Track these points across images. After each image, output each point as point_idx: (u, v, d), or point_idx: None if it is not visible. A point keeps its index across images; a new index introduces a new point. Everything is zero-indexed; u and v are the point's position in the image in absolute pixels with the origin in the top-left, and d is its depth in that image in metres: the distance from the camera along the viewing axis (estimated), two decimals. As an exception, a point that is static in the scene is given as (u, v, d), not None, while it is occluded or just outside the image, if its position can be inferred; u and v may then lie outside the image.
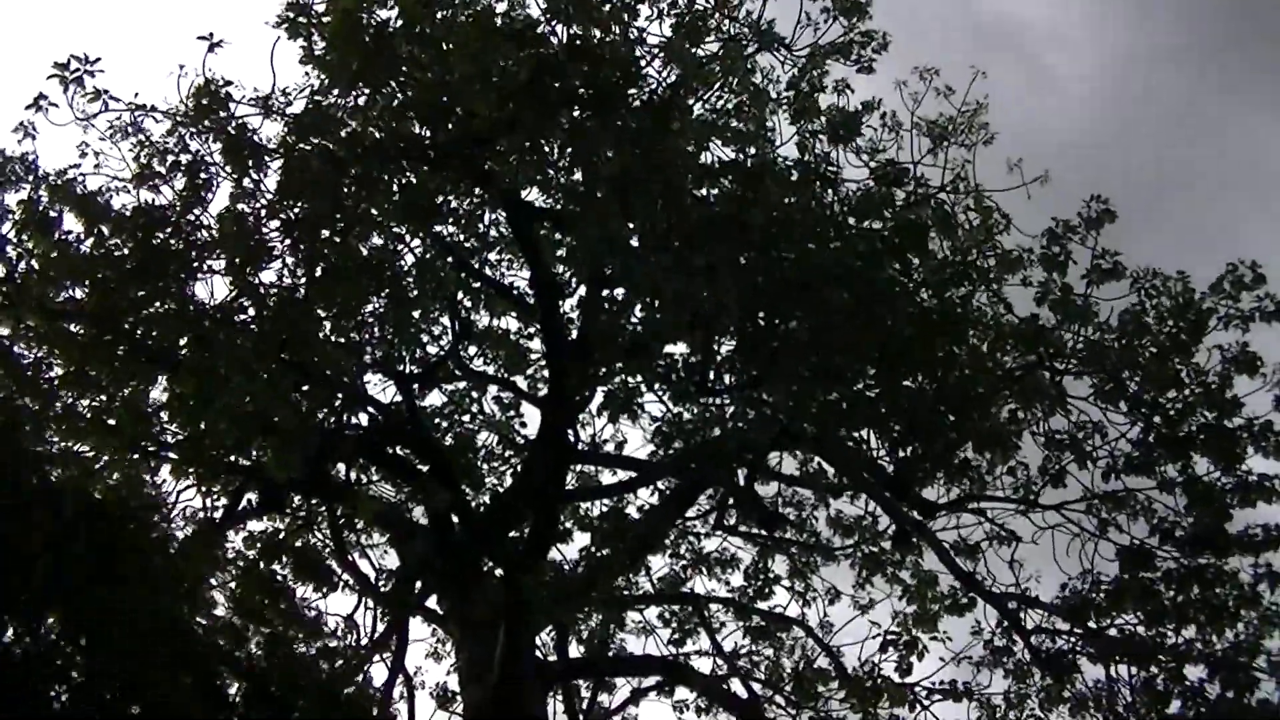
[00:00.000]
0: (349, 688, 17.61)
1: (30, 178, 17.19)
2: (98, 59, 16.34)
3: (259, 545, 18.29)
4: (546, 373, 20.70)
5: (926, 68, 19.46)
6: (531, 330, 21.33)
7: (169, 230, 16.51)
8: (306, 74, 16.92)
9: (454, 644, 19.92)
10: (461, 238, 20.04)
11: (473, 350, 21.52)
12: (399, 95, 16.30)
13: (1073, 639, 18.56)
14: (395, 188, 16.42)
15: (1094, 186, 18.03)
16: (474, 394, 21.87)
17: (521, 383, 21.79)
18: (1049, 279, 17.91)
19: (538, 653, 20.05)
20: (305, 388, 17.20)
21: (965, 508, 19.14)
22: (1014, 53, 37.65)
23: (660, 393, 18.68)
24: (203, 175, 16.60)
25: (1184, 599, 17.93)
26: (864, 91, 19.62)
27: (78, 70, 16.29)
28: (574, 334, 19.19)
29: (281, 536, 18.83)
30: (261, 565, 17.57)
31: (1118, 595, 18.07)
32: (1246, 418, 17.58)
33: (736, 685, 20.74)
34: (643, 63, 17.63)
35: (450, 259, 19.87)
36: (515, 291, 20.64)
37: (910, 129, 19.34)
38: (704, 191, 17.28)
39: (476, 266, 20.41)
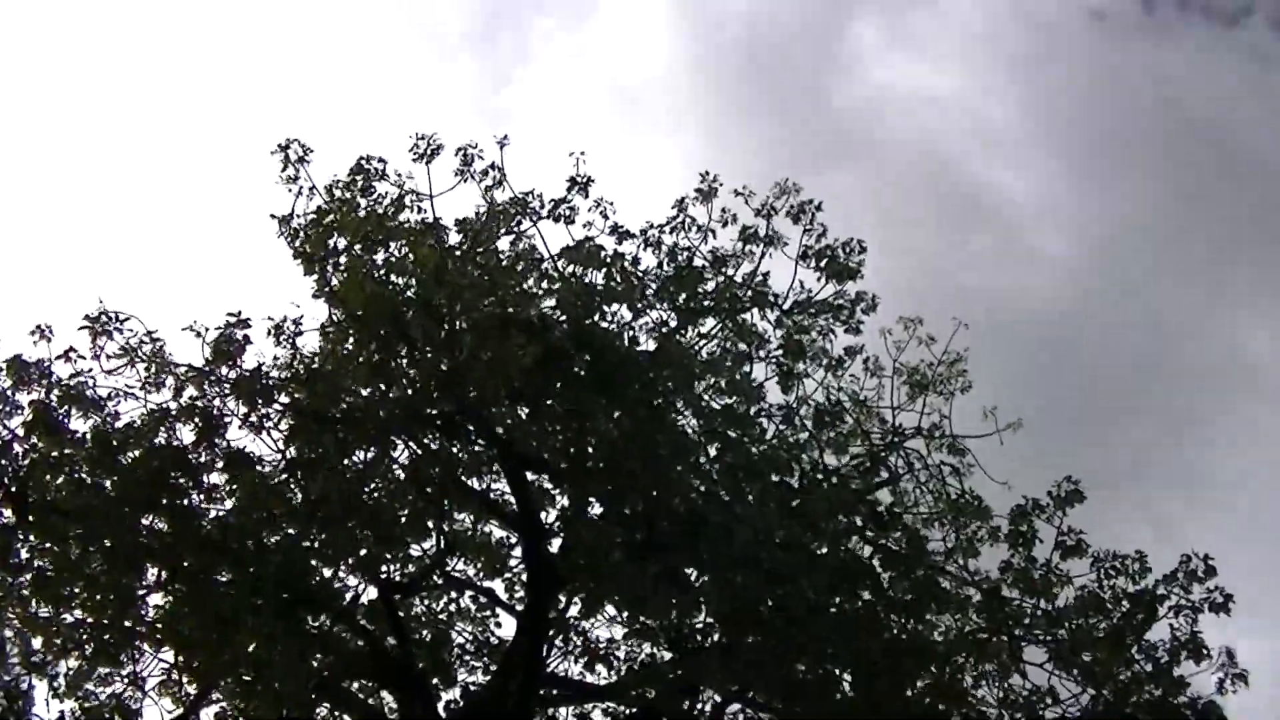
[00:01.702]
0: None
1: (43, 381, 17.87)
2: (128, 317, 17.18)
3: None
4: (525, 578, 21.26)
5: (910, 318, 20.50)
6: (514, 540, 21.76)
7: (181, 467, 17.20)
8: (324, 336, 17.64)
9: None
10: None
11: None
12: (410, 367, 16.97)
13: None
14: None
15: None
16: (453, 593, 22.39)
17: (499, 588, 22.28)
18: (1014, 554, 18.76)
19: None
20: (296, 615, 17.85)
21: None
22: (995, 226, 38.63)
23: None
24: (214, 422, 17.28)
25: None
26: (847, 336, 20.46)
27: (107, 325, 17.02)
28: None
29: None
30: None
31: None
32: (1191, 696, 18.39)
33: None
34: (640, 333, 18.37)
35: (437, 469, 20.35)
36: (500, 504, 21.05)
37: (891, 375, 20.42)
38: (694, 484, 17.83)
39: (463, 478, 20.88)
